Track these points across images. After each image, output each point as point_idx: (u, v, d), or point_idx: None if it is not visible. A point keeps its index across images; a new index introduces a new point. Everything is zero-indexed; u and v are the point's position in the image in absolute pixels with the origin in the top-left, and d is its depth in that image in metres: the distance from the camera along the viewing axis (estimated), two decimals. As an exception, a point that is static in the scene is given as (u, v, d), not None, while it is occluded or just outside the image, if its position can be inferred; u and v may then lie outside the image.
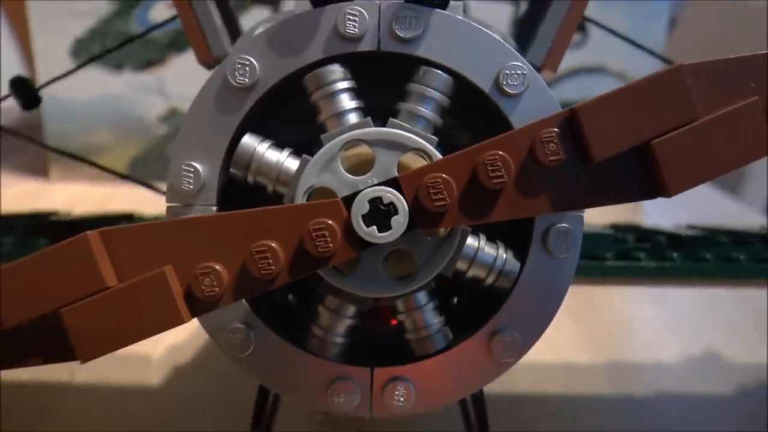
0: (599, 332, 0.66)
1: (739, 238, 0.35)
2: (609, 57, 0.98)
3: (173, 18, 0.44)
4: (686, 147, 0.20)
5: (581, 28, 0.99)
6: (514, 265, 0.23)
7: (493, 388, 0.57)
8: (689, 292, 0.76)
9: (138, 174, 1.04)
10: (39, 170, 1.07)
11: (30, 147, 1.18)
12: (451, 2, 0.24)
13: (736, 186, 1.35)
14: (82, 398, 0.55)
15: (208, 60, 0.28)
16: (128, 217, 0.42)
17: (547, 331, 0.66)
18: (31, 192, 1.00)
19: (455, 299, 0.27)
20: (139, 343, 0.61)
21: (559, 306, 0.24)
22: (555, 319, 0.69)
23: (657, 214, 1.04)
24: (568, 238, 0.23)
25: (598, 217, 0.49)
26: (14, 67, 1.73)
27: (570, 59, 0.99)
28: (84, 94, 1.00)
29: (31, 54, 1.00)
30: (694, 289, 0.76)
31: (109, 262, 0.20)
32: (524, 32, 0.32)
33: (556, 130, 0.20)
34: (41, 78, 0.99)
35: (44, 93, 1.04)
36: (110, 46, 0.99)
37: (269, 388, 0.25)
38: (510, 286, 0.23)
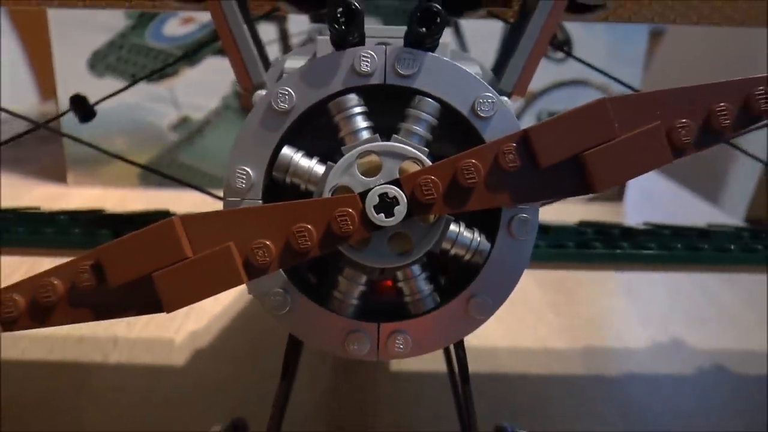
0: (577, 323, 0.74)
1: (678, 231, 0.43)
2: (591, 71, 1.06)
3: (213, 40, 0.51)
4: (608, 157, 0.28)
5: (567, 45, 1.07)
6: (485, 245, 0.31)
7: (480, 368, 0.65)
8: (659, 290, 0.84)
9: (151, 177, 1.12)
10: (57, 176, 1.14)
11: (48, 153, 1.26)
12: (440, 42, 0.32)
13: (717, 195, 1.42)
14: (115, 377, 0.62)
15: (248, 86, 0.35)
16: (166, 213, 0.50)
17: (530, 321, 0.75)
18: (51, 195, 1.08)
19: (442, 279, 0.35)
20: (163, 329, 0.69)
21: (519, 277, 0.31)
22: (538, 312, 0.78)
23: (637, 218, 1.12)
24: (527, 224, 0.31)
25: (582, 215, 0.57)
26: (22, 76, 1.80)
27: (556, 73, 1.07)
28: (102, 103, 1.07)
29: (52, 65, 1.07)
30: (663, 287, 0.84)
31: (186, 239, 0.28)
32: (499, 64, 0.39)
33: (514, 144, 0.28)
34: (60, 88, 1.06)
35: (64, 104, 1.13)
36: (125, 59, 1.06)
37: (300, 339, 0.32)
38: (482, 262, 0.31)
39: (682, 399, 0.61)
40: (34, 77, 1.86)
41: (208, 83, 1.05)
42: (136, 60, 1.04)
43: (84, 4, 0.56)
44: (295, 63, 0.35)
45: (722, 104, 0.28)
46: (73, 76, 1.05)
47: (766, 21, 0.53)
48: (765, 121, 0.30)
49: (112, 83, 1.06)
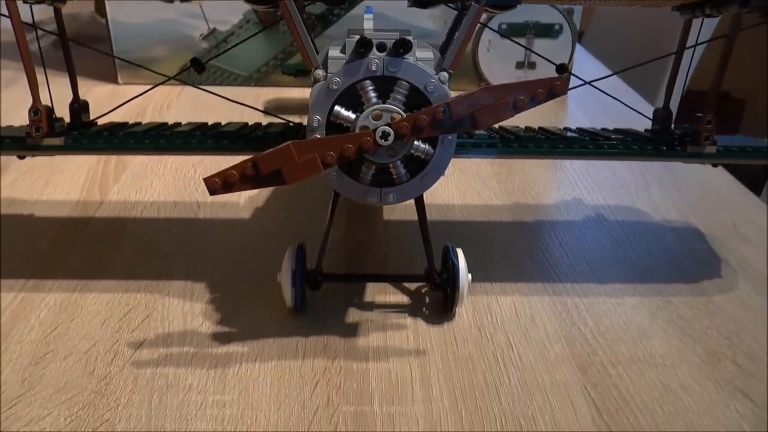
0: (511, 188, 1.15)
1: (549, 133, 0.84)
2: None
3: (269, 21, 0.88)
4: (484, 114, 0.67)
5: None
6: (431, 151, 0.70)
7: (440, 217, 1.08)
8: (576, 165, 1.25)
9: (185, 76, 1.48)
10: (109, 76, 1.49)
11: (87, 54, 1.60)
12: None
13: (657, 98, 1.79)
14: (206, 227, 1.02)
15: (310, 66, 0.74)
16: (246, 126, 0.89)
17: (478, 186, 1.21)
18: (108, 93, 1.44)
19: (411, 167, 0.75)
20: (228, 196, 1.13)
21: (447, 165, 0.72)
22: (485, 180, 1.24)
23: (576, 110, 1.52)
24: (450, 142, 0.71)
25: (529, 121, 0.96)
26: None
27: (502, 18, 1.43)
28: (144, 19, 1.42)
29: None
30: (581, 164, 1.25)
31: (295, 152, 0.68)
32: (444, 46, 0.77)
33: (442, 108, 0.67)
34: (108, 6, 1.40)
35: (112, 18, 1.52)
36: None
37: (344, 195, 0.73)
38: (429, 159, 0.71)
39: (568, 234, 1.02)
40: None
41: (230, 4, 1.40)
42: (173, -18, 1.38)
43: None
44: (333, 52, 0.73)
45: (540, 89, 0.68)
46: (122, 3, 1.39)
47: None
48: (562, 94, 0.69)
49: (153, 2, 1.40)
